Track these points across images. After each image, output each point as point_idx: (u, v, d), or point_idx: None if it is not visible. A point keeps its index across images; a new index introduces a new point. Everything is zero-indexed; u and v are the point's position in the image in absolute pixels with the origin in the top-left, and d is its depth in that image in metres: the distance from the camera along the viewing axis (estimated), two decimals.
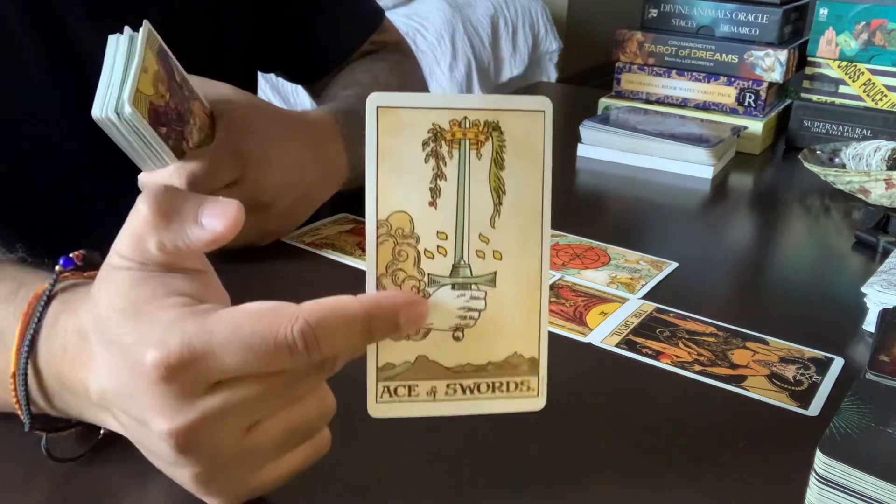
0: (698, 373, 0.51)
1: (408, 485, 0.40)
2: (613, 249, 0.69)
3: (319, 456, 0.37)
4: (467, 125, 0.35)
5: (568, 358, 0.52)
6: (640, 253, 0.68)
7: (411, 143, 0.34)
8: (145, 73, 0.51)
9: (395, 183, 0.34)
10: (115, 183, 0.35)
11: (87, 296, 0.36)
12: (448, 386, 0.36)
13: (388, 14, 0.93)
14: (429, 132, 0.35)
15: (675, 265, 0.66)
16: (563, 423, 0.45)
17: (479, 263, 0.36)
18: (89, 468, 0.40)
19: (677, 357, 0.52)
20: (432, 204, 0.35)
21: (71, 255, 0.41)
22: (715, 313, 0.58)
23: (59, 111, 0.65)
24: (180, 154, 0.55)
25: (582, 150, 0.96)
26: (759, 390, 0.49)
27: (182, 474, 0.34)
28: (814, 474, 0.38)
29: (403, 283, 0.35)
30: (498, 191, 0.35)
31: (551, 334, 0.54)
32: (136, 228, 0.34)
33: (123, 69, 0.50)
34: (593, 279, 0.63)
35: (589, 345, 0.54)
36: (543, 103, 0.36)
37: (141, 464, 0.36)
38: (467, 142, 0.35)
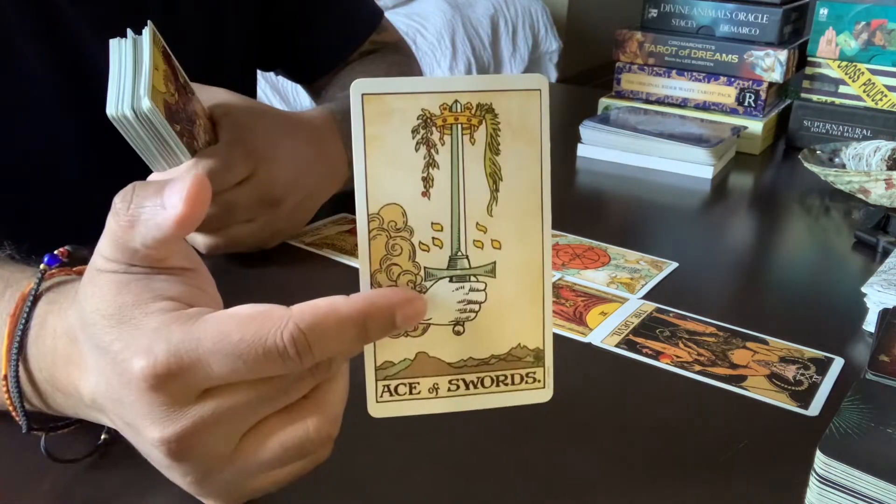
0: (698, 373, 0.51)
1: (408, 484, 0.40)
2: (613, 249, 0.69)
3: (319, 463, 0.37)
4: (459, 109, 0.33)
5: (568, 358, 0.52)
6: (640, 253, 0.68)
7: (400, 131, 0.33)
8: (157, 71, 0.50)
9: (384, 174, 0.33)
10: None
11: (74, 295, 0.35)
12: (451, 382, 0.35)
13: (388, 14, 0.94)
14: (418, 118, 0.33)
15: (675, 265, 0.66)
16: (563, 422, 0.45)
17: (478, 254, 0.34)
18: (91, 471, 0.40)
19: (677, 357, 0.52)
20: (425, 194, 0.33)
21: (56, 252, 0.40)
22: (715, 313, 0.58)
23: (59, 114, 0.65)
24: (193, 153, 0.55)
25: (582, 150, 0.96)
26: (759, 390, 0.49)
27: (177, 478, 0.34)
28: (814, 474, 0.38)
29: (399, 278, 0.34)
30: (494, 177, 0.34)
31: None
32: (117, 230, 0.33)
33: (133, 67, 0.50)
34: (593, 279, 0.63)
35: (589, 345, 0.54)
36: (539, 81, 0.34)
37: (143, 468, 0.36)
38: (459, 126, 0.33)
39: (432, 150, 0.33)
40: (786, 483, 0.41)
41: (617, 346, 0.53)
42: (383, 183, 0.33)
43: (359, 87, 0.32)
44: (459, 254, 0.34)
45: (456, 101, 0.33)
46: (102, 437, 0.40)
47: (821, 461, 0.37)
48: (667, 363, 0.52)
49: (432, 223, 0.34)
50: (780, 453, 0.44)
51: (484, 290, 0.35)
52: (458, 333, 0.35)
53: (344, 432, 0.37)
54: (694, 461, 0.43)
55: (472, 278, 0.34)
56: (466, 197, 0.34)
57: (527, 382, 0.36)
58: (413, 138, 0.33)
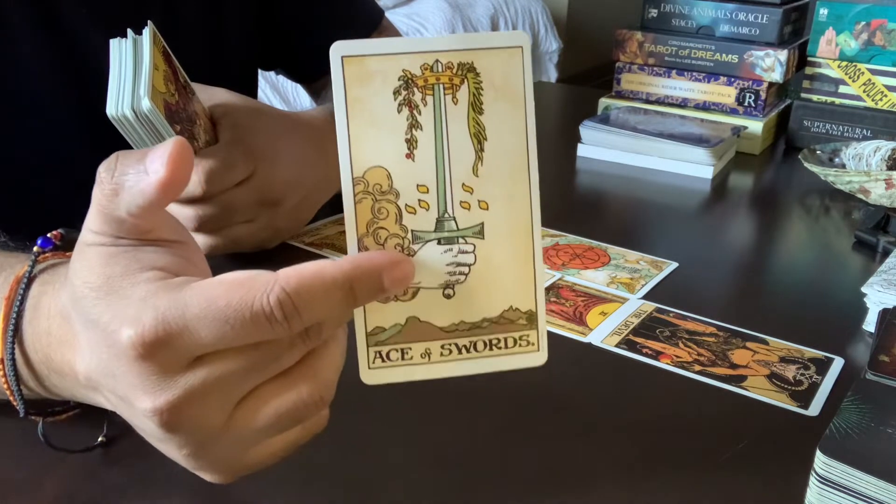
0: (698, 373, 0.51)
1: (408, 484, 0.40)
2: (613, 249, 0.69)
3: (316, 432, 0.36)
4: (440, 69, 0.33)
5: (568, 358, 0.52)
6: (640, 253, 0.68)
7: (382, 93, 0.33)
8: (157, 71, 0.51)
9: (367, 137, 0.33)
10: None
11: (66, 274, 0.35)
12: (443, 346, 0.34)
13: (388, 14, 0.94)
14: (399, 79, 0.33)
15: (675, 265, 0.66)
16: (563, 422, 0.45)
17: (465, 215, 0.34)
18: (92, 471, 0.40)
19: (677, 357, 0.52)
20: (409, 156, 0.33)
21: (49, 234, 0.40)
22: (715, 313, 0.58)
23: (59, 114, 0.65)
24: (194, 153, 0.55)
25: (582, 150, 0.96)
26: (759, 390, 0.49)
27: (172, 451, 0.34)
28: (814, 474, 0.38)
29: (386, 241, 0.33)
30: (478, 136, 0.33)
31: (551, 334, 0.54)
32: (102, 199, 0.33)
33: (133, 68, 0.50)
34: (593, 279, 0.63)
35: (589, 345, 0.54)
36: (520, 38, 0.34)
37: (143, 468, 0.36)
38: (441, 87, 0.33)
39: (415, 112, 0.33)
40: (786, 483, 0.41)
41: (617, 346, 0.53)
42: (367, 146, 0.33)
43: (338, 49, 0.32)
44: (446, 215, 0.34)
45: (437, 61, 0.33)
46: (100, 438, 0.40)
47: (821, 461, 0.37)
48: (667, 363, 0.52)
49: (418, 185, 0.33)
50: (780, 453, 0.44)
51: (473, 252, 0.34)
52: (448, 297, 0.34)
53: (344, 431, 0.37)
54: (694, 461, 0.43)
55: (461, 240, 0.34)
56: (451, 158, 0.33)
57: (520, 346, 0.35)
58: (395, 100, 0.33)
